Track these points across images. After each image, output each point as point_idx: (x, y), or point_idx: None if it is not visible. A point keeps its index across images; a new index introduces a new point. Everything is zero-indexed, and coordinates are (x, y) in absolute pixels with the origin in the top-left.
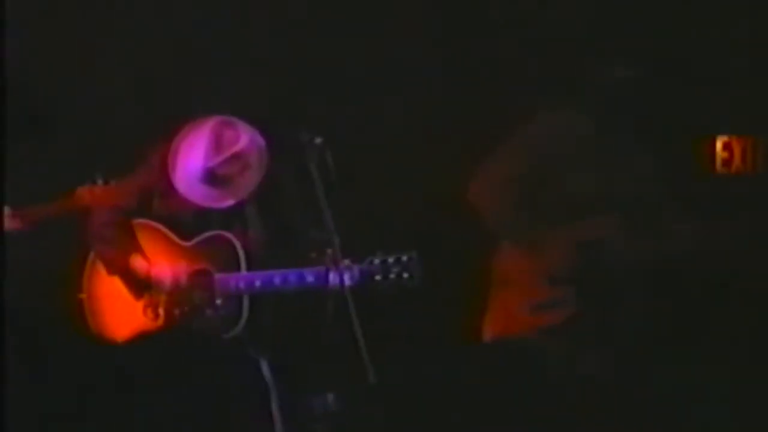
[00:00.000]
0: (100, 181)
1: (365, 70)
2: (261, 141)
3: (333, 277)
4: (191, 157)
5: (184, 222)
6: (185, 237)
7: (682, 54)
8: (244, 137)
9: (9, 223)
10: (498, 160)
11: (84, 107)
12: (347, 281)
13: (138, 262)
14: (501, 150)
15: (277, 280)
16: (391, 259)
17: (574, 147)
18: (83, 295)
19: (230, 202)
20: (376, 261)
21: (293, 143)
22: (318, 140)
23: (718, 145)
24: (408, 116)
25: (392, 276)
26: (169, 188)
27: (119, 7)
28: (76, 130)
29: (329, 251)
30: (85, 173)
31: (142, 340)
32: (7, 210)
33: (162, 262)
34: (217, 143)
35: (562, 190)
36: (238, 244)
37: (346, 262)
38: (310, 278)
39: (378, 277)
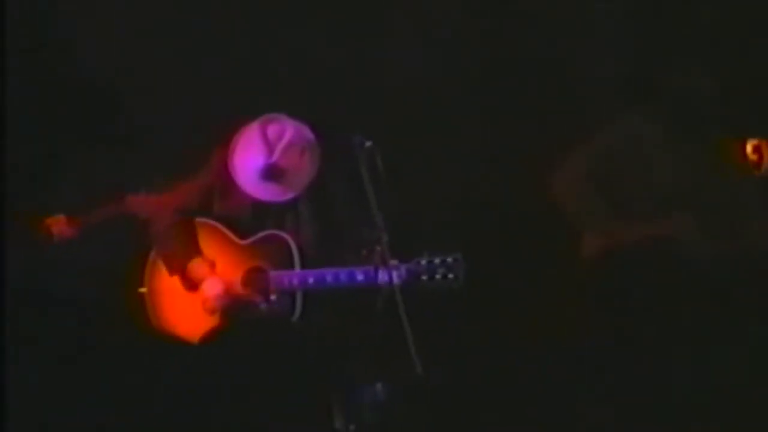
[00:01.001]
0: (143, 192)
1: (416, 71)
2: (305, 128)
3: (382, 276)
4: (249, 159)
5: (242, 221)
6: (242, 236)
7: (753, 60)
8: (290, 127)
9: (62, 230)
10: (580, 155)
11: (139, 114)
12: (395, 280)
13: (197, 267)
14: (583, 146)
15: (329, 278)
16: (437, 260)
17: (651, 147)
18: (144, 290)
19: (293, 193)
20: (423, 262)
21: (345, 146)
22: (368, 143)
23: (748, 148)
24: (458, 118)
25: (438, 276)
26: (228, 189)
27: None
28: (131, 137)
29: (378, 249)
30: (142, 180)
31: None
32: (61, 217)
33: (219, 260)
34: (268, 140)
35: (640, 187)
36: (292, 243)
37: (394, 262)
38: (360, 277)
39: (424, 277)
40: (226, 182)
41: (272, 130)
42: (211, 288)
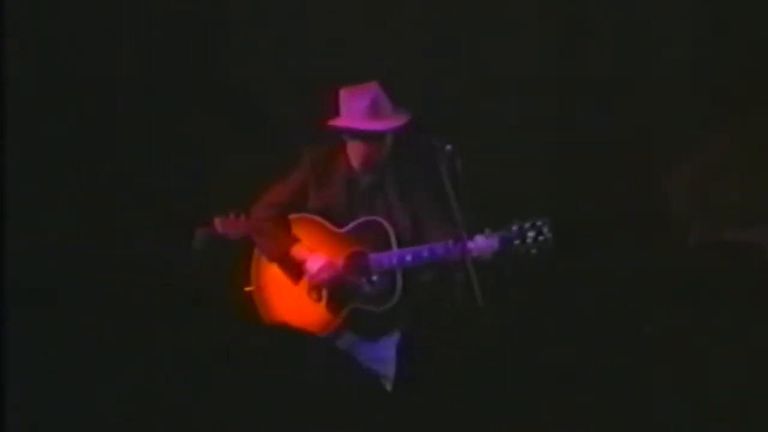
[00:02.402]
0: (232, 215)
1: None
2: None
3: (474, 246)
4: (354, 108)
5: (337, 212)
6: (339, 225)
7: None
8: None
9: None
10: (686, 164)
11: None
12: (490, 247)
13: (297, 251)
14: (688, 157)
15: (425, 253)
16: (526, 224)
17: (747, 161)
18: (251, 288)
19: (402, 121)
20: (514, 228)
21: (427, 148)
22: (448, 147)
23: None
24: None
25: (529, 240)
26: (323, 183)
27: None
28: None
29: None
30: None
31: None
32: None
33: (319, 249)
34: (361, 88)
35: (735, 199)
36: (388, 226)
37: (487, 230)
38: (454, 249)
39: (516, 242)
40: (320, 177)
41: (359, 88)
42: (315, 262)
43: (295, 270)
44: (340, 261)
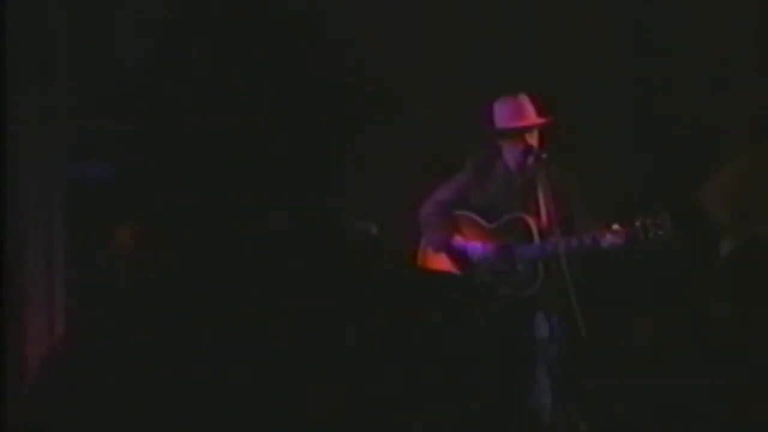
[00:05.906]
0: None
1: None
2: None
3: (605, 240)
4: (506, 105)
5: (495, 209)
6: (490, 221)
7: None
8: None
9: None
10: (723, 172)
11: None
12: (618, 241)
13: (456, 241)
14: (727, 166)
15: (561, 246)
16: (648, 221)
17: None
18: None
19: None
20: (638, 223)
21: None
22: (544, 155)
23: None
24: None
25: (650, 235)
26: (484, 183)
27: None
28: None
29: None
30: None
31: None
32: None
33: (475, 240)
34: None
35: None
36: (531, 221)
37: (615, 226)
38: (587, 241)
39: (641, 236)
40: (481, 178)
41: (508, 99)
42: (474, 250)
43: (456, 259)
44: (490, 252)
